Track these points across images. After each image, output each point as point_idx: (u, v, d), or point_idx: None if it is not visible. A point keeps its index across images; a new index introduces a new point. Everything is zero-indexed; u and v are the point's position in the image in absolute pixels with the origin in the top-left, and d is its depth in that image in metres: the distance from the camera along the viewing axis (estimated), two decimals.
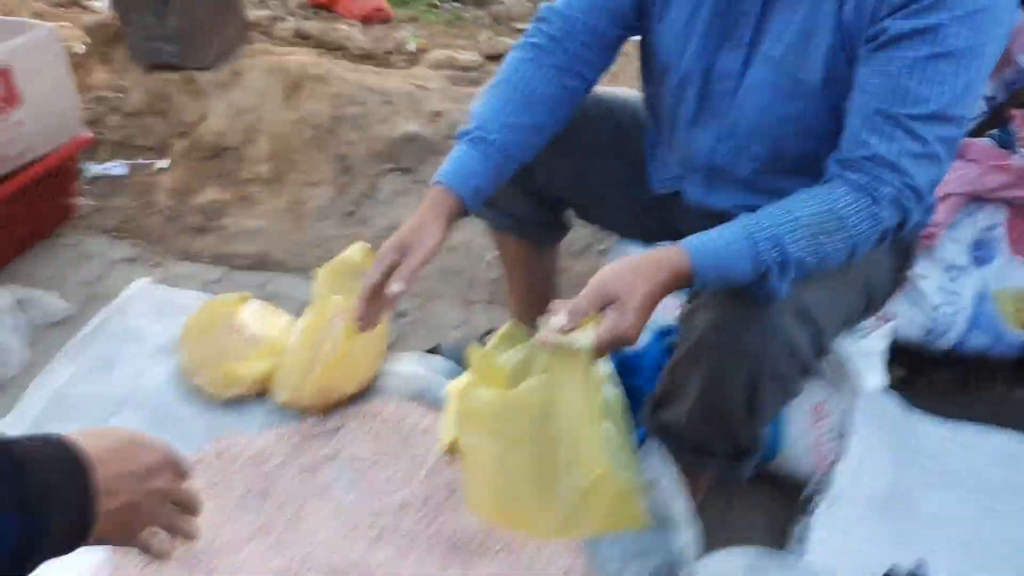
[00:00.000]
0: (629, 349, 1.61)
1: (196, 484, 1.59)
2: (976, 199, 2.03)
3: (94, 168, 2.69)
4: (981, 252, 2.01)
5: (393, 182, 2.73)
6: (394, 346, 2.01)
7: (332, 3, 5.28)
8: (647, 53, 1.43)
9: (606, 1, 1.37)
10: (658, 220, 1.57)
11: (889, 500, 1.62)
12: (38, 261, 2.31)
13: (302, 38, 4.00)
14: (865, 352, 1.74)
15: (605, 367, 1.16)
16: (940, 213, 1.98)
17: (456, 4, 6.81)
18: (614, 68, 1.53)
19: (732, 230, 1.13)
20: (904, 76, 1.09)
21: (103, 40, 3.08)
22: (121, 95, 2.92)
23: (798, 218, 1.11)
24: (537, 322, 1.14)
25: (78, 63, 2.92)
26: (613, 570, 1.49)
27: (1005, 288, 1.96)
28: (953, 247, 1.98)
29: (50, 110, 2.21)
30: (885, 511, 1.61)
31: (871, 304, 1.45)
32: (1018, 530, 1.60)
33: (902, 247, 1.45)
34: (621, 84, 1.80)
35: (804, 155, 1.28)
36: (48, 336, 2.03)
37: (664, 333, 1.73)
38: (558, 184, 1.60)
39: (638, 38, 1.45)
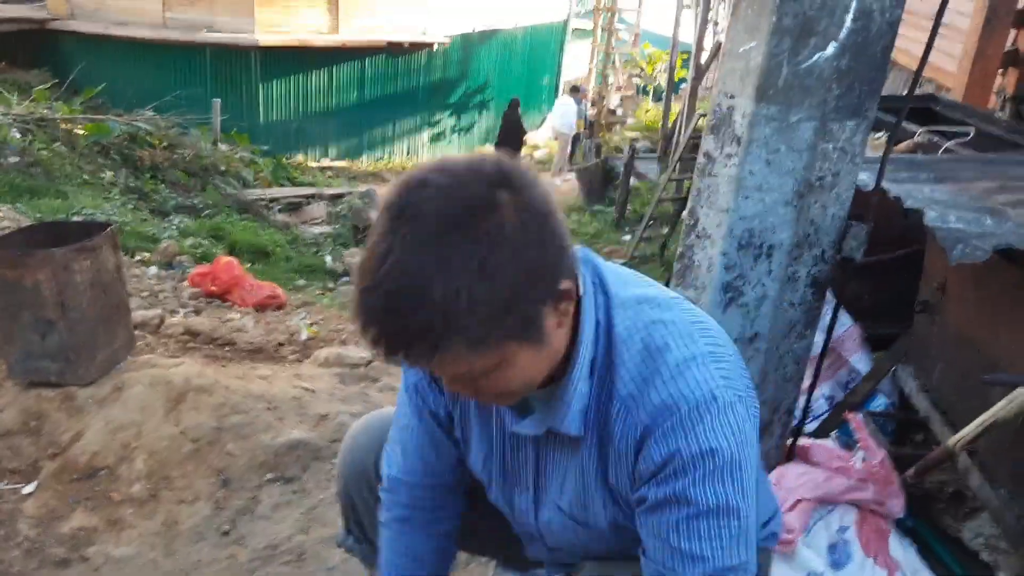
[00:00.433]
0: None
1: None
2: (825, 502, 2.18)
3: None
4: (836, 555, 2.12)
5: (274, 494, 2.70)
6: None
7: (226, 292, 5.46)
8: None
9: (435, 458, 1.43)
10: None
11: None
12: None
13: (192, 335, 4.08)
14: None
15: None
16: (793, 519, 2.10)
17: (350, 287, 7.16)
18: None
19: None
20: (674, 538, 1.14)
21: None
22: None
23: None
24: None
25: None
26: None
27: None
28: (809, 553, 2.08)
29: None
30: None
31: None
32: None
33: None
34: None
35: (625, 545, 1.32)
36: None
37: None
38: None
39: None
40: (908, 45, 4.85)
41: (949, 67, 5.61)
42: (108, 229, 3.12)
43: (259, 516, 2.62)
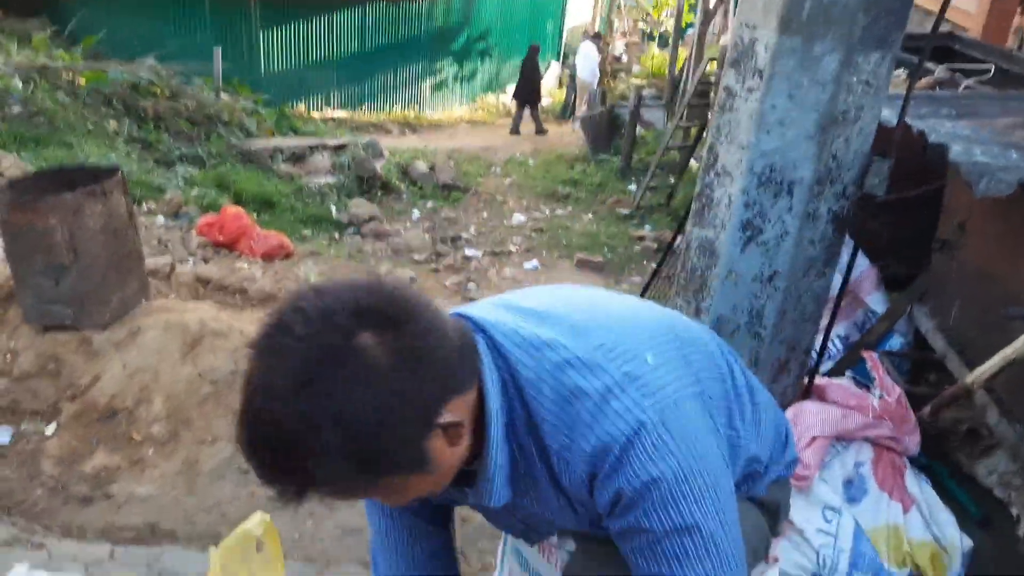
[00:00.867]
0: None
1: None
2: (841, 439, 2.19)
3: None
4: (852, 490, 2.14)
5: None
6: None
7: (234, 242, 5.45)
8: None
9: (421, 549, 1.47)
10: None
11: None
12: None
13: (202, 283, 4.08)
14: None
15: None
16: (809, 456, 2.12)
17: (356, 237, 7.14)
18: None
19: None
20: (642, 563, 1.14)
21: None
22: (10, 357, 2.89)
23: None
24: None
25: None
26: None
27: (877, 526, 2.08)
28: (825, 488, 2.10)
29: None
30: None
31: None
32: None
33: (769, 506, 1.54)
34: None
35: None
36: None
37: None
38: None
39: None
40: None
41: (967, 6, 5.50)
42: (118, 174, 3.09)
43: None
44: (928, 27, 2.05)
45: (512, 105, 13.83)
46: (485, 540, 2.28)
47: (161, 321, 3.01)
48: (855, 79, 1.85)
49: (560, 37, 18.11)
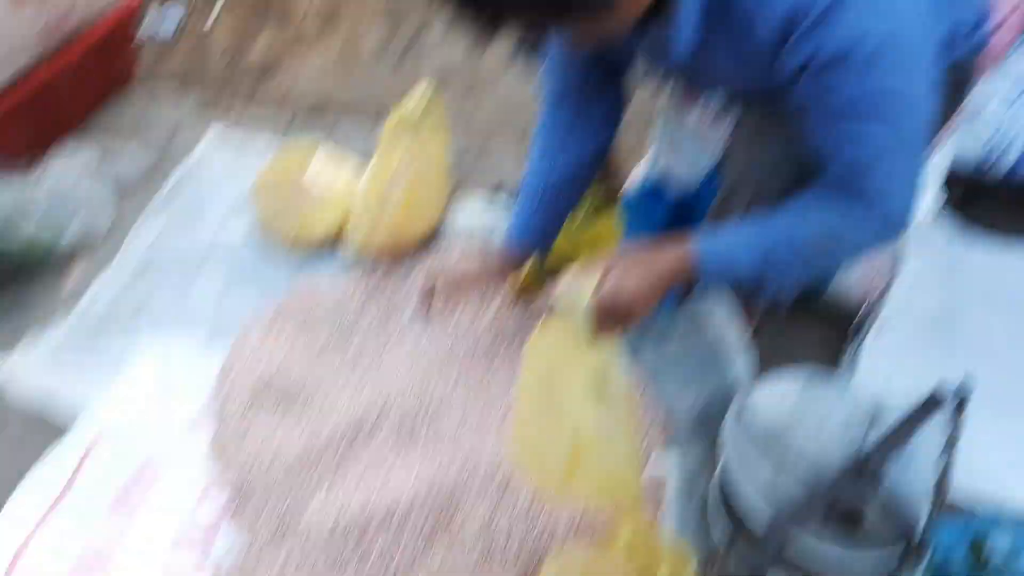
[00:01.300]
0: (683, 190, 1.67)
1: (282, 331, 1.76)
2: None
3: (149, 24, 2.71)
4: None
5: (441, 27, 2.69)
6: (457, 188, 2.08)
7: None
8: None
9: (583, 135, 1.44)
10: None
11: (938, 323, 1.68)
12: (108, 120, 2.39)
13: None
14: None
15: (618, 361, 1.21)
16: (1006, 32, 1.90)
17: None
18: None
19: (738, 230, 1.21)
20: (828, 132, 1.09)
21: None
22: None
23: (799, 231, 1.18)
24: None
25: None
26: (671, 397, 1.61)
27: None
28: (1020, 61, 1.92)
29: None
30: (934, 333, 1.67)
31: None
32: None
33: (957, 77, 1.43)
34: None
35: None
36: (131, 191, 2.14)
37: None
38: None
39: None
40: None
41: None
42: None
43: (430, 43, 2.65)
44: None
45: None
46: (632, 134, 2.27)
47: None
48: None
49: None
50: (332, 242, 1.93)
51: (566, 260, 1.74)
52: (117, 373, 1.64)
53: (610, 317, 1.16)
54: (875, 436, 1.46)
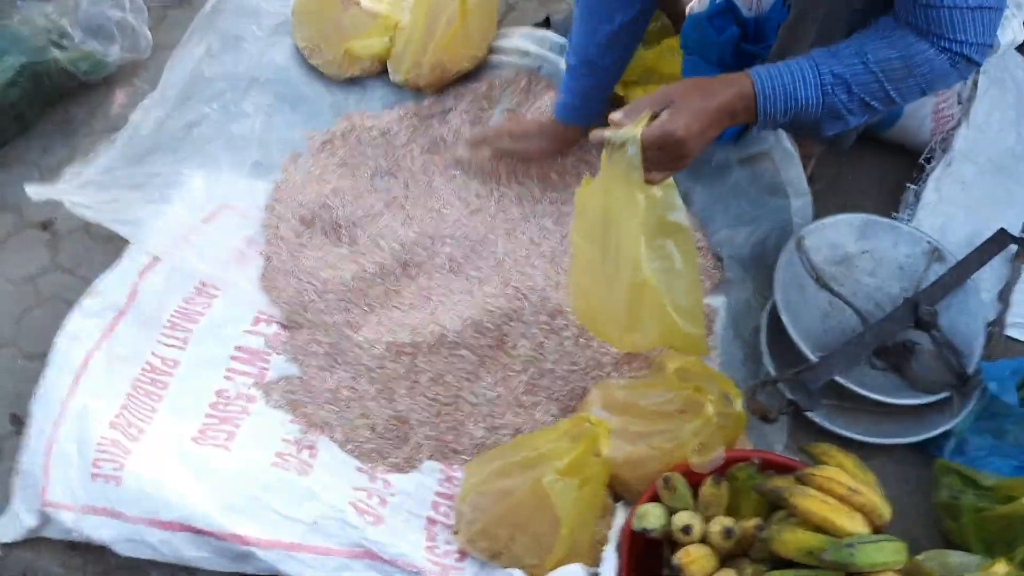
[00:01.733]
0: (750, 13, 1.58)
1: (329, 161, 1.73)
2: None
3: None
4: None
5: None
6: (504, 21, 1.99)
7: None
8: None
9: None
10: None
11: (1006, 164, 1.62)
12: None
13: None
14: None
15: (674, 194, 1.13)
16: None
17: None
18: None
19: (800, 62, 1.13)
20: None
21: None
22: None
23: (867, 62, 1.11)
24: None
25: None
26: (723, 237, 1.59)
27: None
28: None
29: None
30: (1000, 175, 1.61)
31: None
32: None
33: None
34: None
35: None
36: (167, 16, 2.08)
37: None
38: None
39: None
40: None
41: None
42: None
43: None
44: None
45: None
46: None
47: None
48: None
49: None
50: (377, 70, 1.86)
51: (626, 86, 1.69)
52: (167, 197, 1.64)
53: (662, 154, 1.09)
54: (933, 275, 1.45)
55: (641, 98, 1.12)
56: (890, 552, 1.05)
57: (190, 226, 1.62)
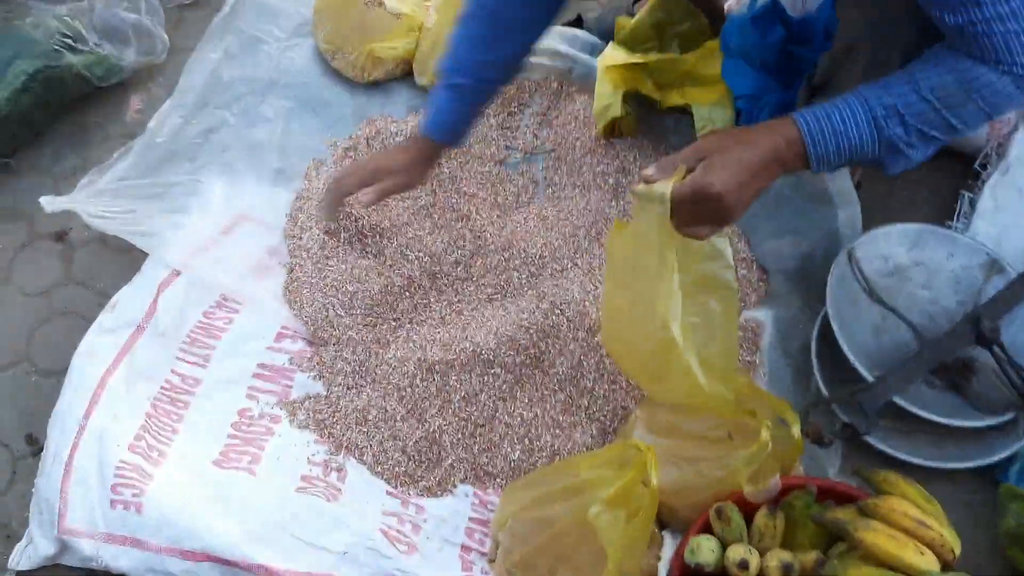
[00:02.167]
0: (795, 13, 1.51)
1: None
2: None
3: None
4: None
5: None
6: None
7: None
8: None
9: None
10: None
11: None
12: None
13: None
14: None
15: (724, 249, 1.06)
16: None
17: None
18: None
19: (846, 98, 1.05)
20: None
21: None
22: None
23: (920, 90, 1.02)
24: None
25: None
26: (769, 248, 1.51)
27: None
28: None
29: None
30: None
31: None
32: None
33: None
34: None
35: None
36: (183, 18, 2.01)
37: None
38: None
39: None
40: None
41: None
42: None
43: None
44: None
45: None
46: None
47: None
48: None
49: None
50: (401, 73, 1.80)
51: (662, 89, 1.62)
52: (185, 207, 1.58)
53: (700, 209, 1.00)
54: (992, 288, 1.38)
55: (674, 153, 1.05)
56: None
57: (209, 237, 1.56)
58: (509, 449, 1.34)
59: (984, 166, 1.55)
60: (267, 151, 1.70)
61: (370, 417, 1.37)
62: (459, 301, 1.49)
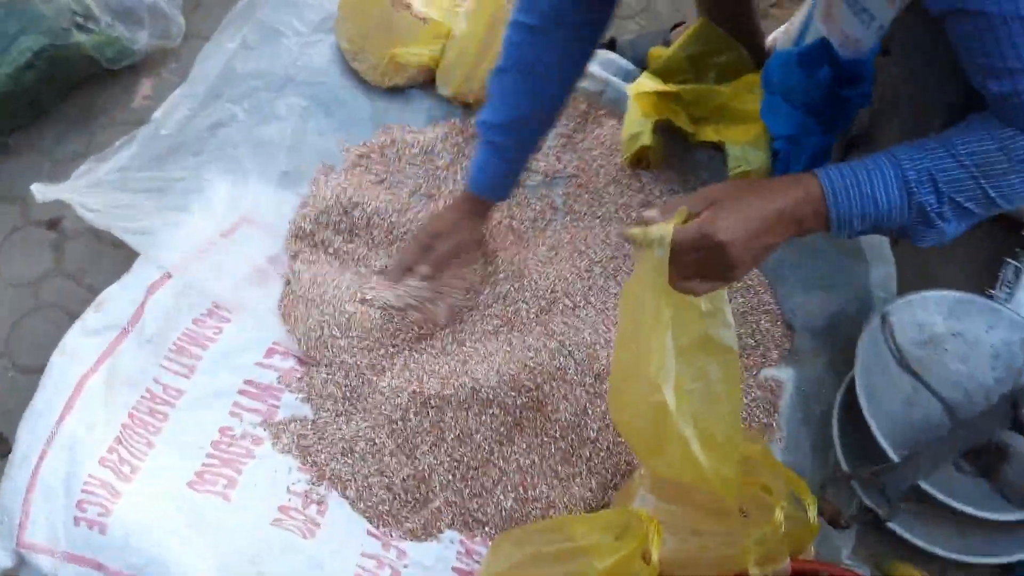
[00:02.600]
0: (846, 54, 1.41)
1: (365, 178, 1.59)
2: None
3: None
4: None
5: None
6: None
7: None
8: None
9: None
10: None
11: None
12: None
13: None
14: None
15: (723, 309, 0.96)
16: None
17: None
18: None
19: (876, 157, 0.95)
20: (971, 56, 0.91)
21: None
22: None
23: (957, 155, 0.92)
24: None
25: None
26: (796, 303, 1.43)
27: None
28: None
29: None
30: None
31: None
32: None
33: None
34: None
35: None
36: (202, 2, 1.93)
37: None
38: None
39: None
40: None
41: None
42: None
43: None
44: None
45: None
46: None
47: None
48: None
49: None
50: (423, 80, 1.71)
51: (696, 123, 1.53)
52: (185, 205, 1.49)
53: (702, 260, 0.90)
54: None
55: (680, 196, 0.96)
56: None
57: (208, 239, 1.47)
58: (502, 496, 1.26)
59: None
60: (276, 151, 1.61)
61: (357, 448, 1.29)
62: (462, 331, 1.40)
